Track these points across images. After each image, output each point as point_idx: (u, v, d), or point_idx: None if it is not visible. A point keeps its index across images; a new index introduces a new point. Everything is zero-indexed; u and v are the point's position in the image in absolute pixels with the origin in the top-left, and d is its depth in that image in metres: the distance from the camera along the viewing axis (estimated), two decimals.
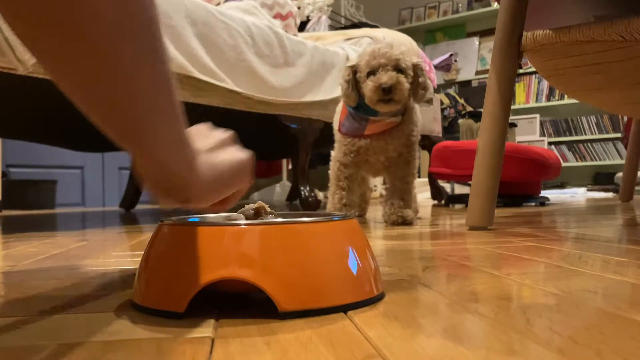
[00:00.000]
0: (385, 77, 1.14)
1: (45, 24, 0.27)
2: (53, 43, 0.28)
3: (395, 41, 1.33)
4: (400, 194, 1.29)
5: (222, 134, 0.46)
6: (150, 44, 0.31)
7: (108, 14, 0.28)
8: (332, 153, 1.32)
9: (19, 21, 0.28)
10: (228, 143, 0.46)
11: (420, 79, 1.21)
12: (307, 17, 2.79)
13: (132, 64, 0.30)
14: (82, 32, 0.28)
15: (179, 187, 0.38)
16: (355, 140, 1.27)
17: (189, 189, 0.39)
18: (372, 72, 1.17)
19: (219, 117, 1.86)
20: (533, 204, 2.21)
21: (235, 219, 0.46)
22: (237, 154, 0.45)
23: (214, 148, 0.43)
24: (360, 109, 1.25)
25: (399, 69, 1.17)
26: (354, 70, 1.24)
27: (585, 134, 4.59)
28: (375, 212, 1.68)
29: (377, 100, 1.18)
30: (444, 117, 3.60)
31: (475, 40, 5.00)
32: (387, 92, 1.15)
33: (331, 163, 1.32)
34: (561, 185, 4.41)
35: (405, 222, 1.25)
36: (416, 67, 1.21)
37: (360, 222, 1.39)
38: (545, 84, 4.66)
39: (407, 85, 1.17)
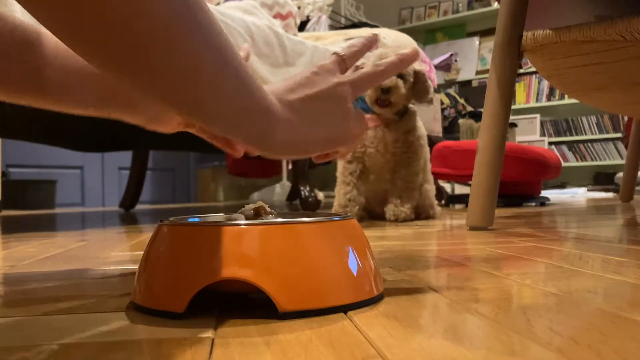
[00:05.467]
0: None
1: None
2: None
3: (402, 45, 1.42)
4: (400, 192, 1.37)
5: (331, 86, 0.43)
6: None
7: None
8: None
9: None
10: (338, 94, 0.44)
11: (427, 83, 1.35)
12: (307, 16, 2.78)
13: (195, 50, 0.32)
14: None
15: (259, 147, 0.40)
16: None
17: (271, 149, 0.40)
18: None
19: None
20: (533, 204, 2.21)
21: (235, 219, 0.46)
22: (340, 113, 0.44)
23: (313, 98, 0.42)
24: (358, 104, 1.30)
25: (400, 74, 1.28)
26: None
27: (586, 134, 4.59)
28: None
29: (375, 99, 1.29)
30: (444, 117, 3.59)
31: (476, 40, 5.00)
32: (385, 92, 1.28)
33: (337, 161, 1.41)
34: (561, 185, 4.41)
35: (398, 220, 1.34)
36: (417, 74, 1.34)
37: (368, 221, 1.39)
38: (545, 84, 4.66)
39: (403, 90, 1.29)
